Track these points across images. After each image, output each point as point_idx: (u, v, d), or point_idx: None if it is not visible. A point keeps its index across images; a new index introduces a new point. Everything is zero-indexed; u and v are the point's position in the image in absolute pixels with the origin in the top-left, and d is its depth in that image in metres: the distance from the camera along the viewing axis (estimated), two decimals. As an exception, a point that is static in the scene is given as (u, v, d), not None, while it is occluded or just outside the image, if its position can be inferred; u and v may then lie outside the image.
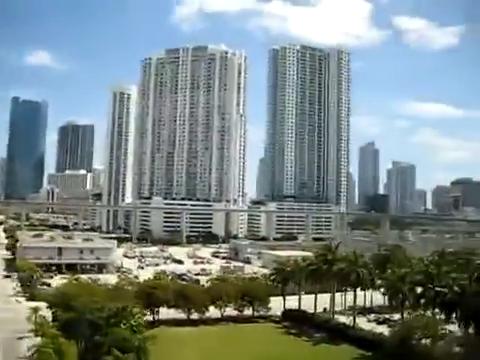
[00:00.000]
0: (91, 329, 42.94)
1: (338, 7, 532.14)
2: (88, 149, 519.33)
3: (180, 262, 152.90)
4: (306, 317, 72.06)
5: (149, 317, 65.61)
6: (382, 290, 73.73)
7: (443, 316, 54.44)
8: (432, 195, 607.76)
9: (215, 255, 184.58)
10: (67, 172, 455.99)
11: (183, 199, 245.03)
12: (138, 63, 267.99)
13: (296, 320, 71.48)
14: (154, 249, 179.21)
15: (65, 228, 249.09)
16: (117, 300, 51.40)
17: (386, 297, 73.73)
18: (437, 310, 56.10)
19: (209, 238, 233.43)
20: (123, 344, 40.50)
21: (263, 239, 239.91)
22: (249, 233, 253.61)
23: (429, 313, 57.12)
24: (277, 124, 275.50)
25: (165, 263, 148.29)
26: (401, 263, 74.06)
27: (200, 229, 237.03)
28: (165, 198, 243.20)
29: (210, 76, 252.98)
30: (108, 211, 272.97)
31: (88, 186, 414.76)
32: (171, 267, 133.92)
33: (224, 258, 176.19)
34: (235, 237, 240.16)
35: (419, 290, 60.76)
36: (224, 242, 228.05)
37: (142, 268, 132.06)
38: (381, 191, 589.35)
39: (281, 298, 77.64)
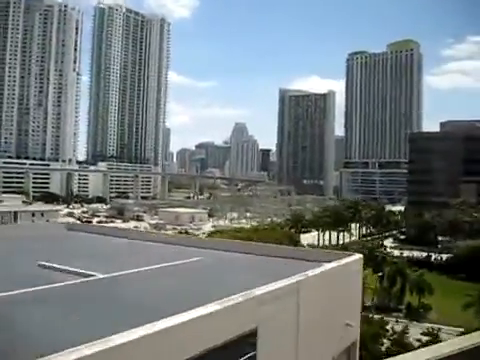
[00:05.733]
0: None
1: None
2: None
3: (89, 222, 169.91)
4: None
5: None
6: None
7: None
8: (177, 156, 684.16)
9: (95, 215, 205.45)
10: None
11: (19, 158, 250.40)
12: None
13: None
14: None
15: None
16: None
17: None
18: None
19: (52, 198, 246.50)
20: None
21: (100, 199, 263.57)
22: (81, 193, 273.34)
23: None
24: (100, 83, 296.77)
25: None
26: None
27: (39, 189, 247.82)
28: (1, 157, 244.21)
29: (46, 29, 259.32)
30: None
31: None
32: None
33: (107, 216, 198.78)
34: (77, 197, 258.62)
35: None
36: (69, 202, 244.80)
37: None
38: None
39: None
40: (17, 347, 10.22)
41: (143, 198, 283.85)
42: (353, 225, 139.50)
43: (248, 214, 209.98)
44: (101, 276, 17.89)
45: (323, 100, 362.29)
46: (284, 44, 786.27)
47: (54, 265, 19.78)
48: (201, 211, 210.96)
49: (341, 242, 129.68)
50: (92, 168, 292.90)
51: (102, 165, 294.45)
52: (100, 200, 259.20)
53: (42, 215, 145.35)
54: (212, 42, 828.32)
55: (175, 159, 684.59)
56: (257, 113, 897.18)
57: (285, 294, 15.70)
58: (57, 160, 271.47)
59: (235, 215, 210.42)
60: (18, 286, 14.97)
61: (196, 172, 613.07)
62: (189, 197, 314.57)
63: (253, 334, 13.78)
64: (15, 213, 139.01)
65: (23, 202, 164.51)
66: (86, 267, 19.13)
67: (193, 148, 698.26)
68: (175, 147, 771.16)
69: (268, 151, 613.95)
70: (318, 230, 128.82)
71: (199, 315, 11.62)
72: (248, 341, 13.63)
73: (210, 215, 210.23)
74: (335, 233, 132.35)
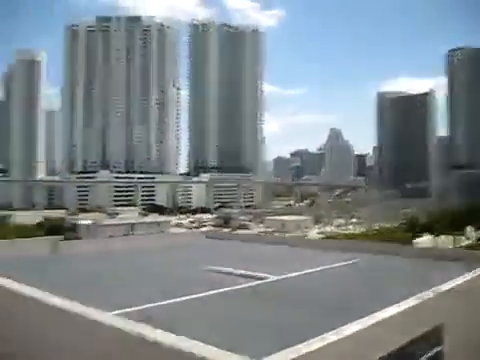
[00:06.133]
0: None
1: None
2: None
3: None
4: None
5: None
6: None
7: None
8: (273, 165, 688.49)
9: (202, 224, 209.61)
10: None
11: (128, 172, 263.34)
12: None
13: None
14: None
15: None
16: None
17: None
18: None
19: (159, 209, 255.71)
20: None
21: (203, 209, 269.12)
22: (185, 204, 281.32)
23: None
24: (198, 96, 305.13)
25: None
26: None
27: (145, 201, 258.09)
28: (111, 171, 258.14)
29: (146, 48, 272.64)
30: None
31: None
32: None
33: (214, 226, 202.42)
34: (181, 207, 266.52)
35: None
36: (175, 213, 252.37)
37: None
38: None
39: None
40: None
41: (246, 207, 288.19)
42: (467, 229, 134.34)
43: (353, 220, 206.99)
44: (275, 278, 19.16)
45: (424, 100, 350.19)
46: (372, 47, 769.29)
47: (221, 269, 21.35)
48: (306, 218, 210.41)
49: (458, 246, 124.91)
50: (195, 179, 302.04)
51: (204, 176, 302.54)
52: (204, 210, 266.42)
53: (158, 225, 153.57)
54: (299, 50, 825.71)
55: (271, 168, 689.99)
56: (347, 118, 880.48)
57: (464, 291, 16.18)
58: (161, 173, 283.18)
59: (341, 221, 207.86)
60: (206, 288, 16.39)
61: (292, 180, 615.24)
62: (289, 205, 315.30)
63: (440, 329, 14.39)
64: (132, 224, 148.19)
65: (139, 214, 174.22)
66: (252, 270, 20.53)
67: (288, 156, 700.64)
68: (268, 156, 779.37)
69: (364, 156, 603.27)
70: (433, 234, 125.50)
71: (396, 312, 12.20)
72: (435, 336, 14.26)
73: (316, 221, 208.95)
74: (449, 237, 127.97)
